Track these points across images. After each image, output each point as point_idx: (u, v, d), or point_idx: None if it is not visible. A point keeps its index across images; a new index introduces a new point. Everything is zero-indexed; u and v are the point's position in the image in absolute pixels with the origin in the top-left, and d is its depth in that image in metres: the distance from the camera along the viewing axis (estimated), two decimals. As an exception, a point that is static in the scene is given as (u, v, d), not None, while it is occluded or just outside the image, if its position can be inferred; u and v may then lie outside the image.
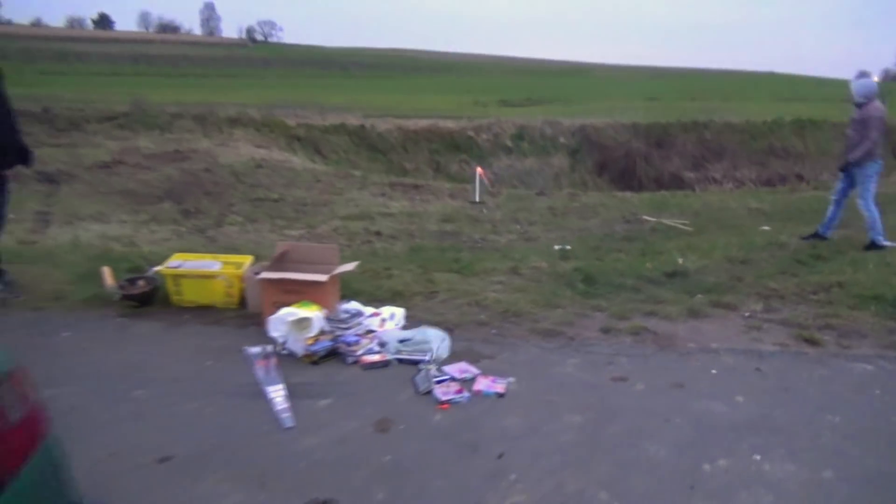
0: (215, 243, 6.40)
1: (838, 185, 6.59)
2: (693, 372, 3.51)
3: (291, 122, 17.58)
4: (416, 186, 10.60)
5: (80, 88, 25.20)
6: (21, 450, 1.36)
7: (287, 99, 27.78)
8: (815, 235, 6.56)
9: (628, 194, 10.86)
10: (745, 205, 9.03)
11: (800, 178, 21.02)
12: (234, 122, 16.52)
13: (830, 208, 6.56)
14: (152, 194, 8.93)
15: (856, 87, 6.31)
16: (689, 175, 20.76)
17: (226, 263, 4.41)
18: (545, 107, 31.13)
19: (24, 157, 4.24)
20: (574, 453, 2.75)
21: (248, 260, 4.44)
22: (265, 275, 3.75)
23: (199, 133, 14.93)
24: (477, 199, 9.41)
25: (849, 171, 6.36)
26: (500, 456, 2.71)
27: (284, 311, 3.55)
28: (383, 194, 9.73)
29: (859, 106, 6.23)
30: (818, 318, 4.27)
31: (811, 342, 3.92)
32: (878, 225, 6.22)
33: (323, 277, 3.71)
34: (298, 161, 12.87)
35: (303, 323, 3.53)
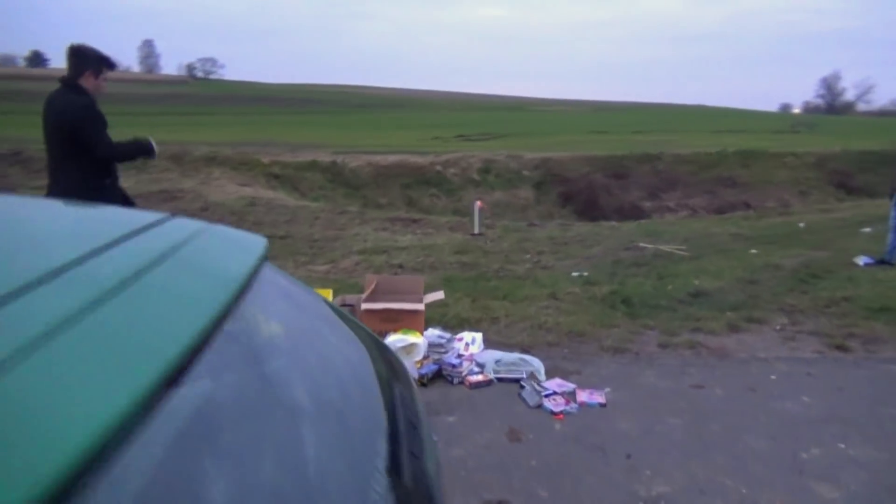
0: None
1: (891, 212, 7.11)
2: (756, 378, 3.98)
3: (265, 159, 17.73)
4: (414, 220, 10.96)
5: (27, 129, 24.54)
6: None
7: (246, 137, 27.84)
8: (882, 262, 6.99)
9: (614, 223, 11.50)
10: (725, 231, 9.77)
11: (747, 205, 22.43)
12: (211, 160, 16.57)
13: (890, 235, 7.06)
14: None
15: None
16: (647, 204, 21.90)
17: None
18: (502, 141, 32.21)
19: (128, 201, 4.37)
20: (689, 449, 3.15)
21: (327, 294, 4.70)
22: (367, 305, 4.04)
23: (178, 173, 14.93)
24: (477, 230, 9.83)
25: None
26: (629, 456, 3.09)
27: (393, 337, 3.85)
28: (385, 229, 10.05)
29: None
30: (840, 328, 4.85)
31: (842, 349, 4.47)
32: None
33: (420, 306, 4.03)
34: (288, 198, 13.05)
35: (410, 348, 3.83)
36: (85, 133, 3.91)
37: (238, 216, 10.35)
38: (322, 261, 7.81)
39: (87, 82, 4.01)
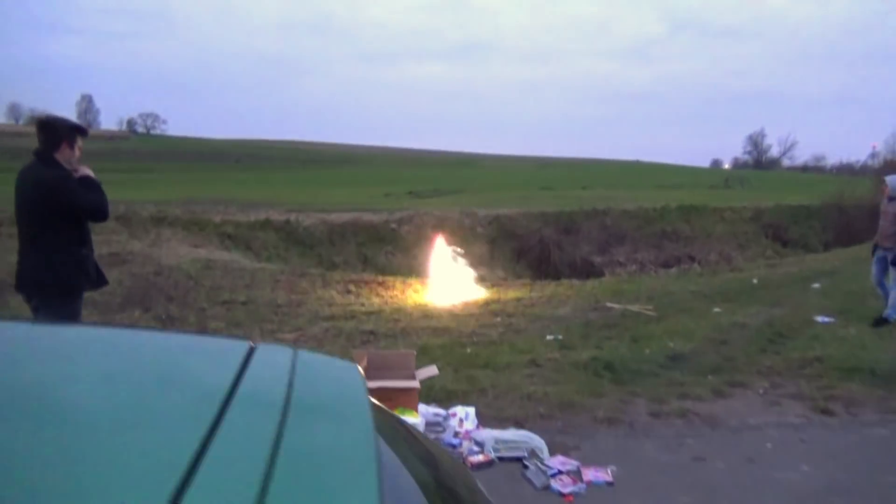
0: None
1: (873, 268, 7.26)
2: (753, 447, 3.99)
3: (216, 218, 17.36)
4: (378, 282, 10.82)
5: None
6: None
7: (194, 194, 27.28)
8: (884, 321, 7.00)
9: (575, 282, 11.64)
10: (684, 288, 10.02)
11: (691, 258, 23.27)
12: (159, 220, 16.10)
13: (892, 293, 7.09)
14: (112, 302, 8.55)
15: (891, 182, 7.09)
16: (598, 259, 22.40)
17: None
18: (453, 197, 32.59)
19: (101, 275, 4.19)
20: (706, 530, 3.09)
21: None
22: (360, 384, 3.88)
23: (125, 234, 14.40)
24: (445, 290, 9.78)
25: (882, 256, 7.04)
26: (648, 538, 3.01)
27: (390, 418, 3.69)
28: (349, 291, 9.87)
29: (893, 199, 6.95)
30: (819, 390, 4.95)
31: (826, 412, 4.56)
32: None
33: (415, 383, 3.90)
34: (244, 260, 12.73)
35: (407, 429, 3.68)
36: (67, 199, 3.85)
37: (195, 280, 9.99)
38: (289, 328, 7.56)
39: (62, 154, 3.93)
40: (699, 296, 9.40)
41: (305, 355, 1.20)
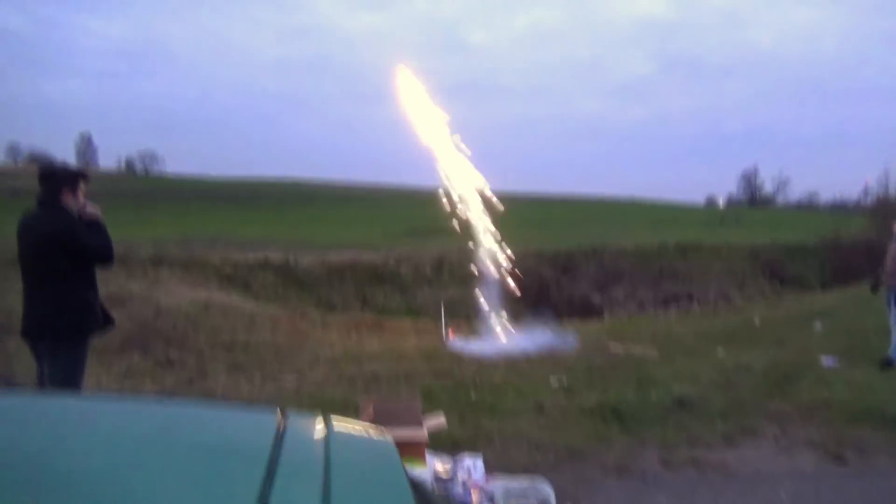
0: (223, 398, 6.21)
1: (891, 310, 7.15)
2: (769, 500, 3.91)
3: (215, 259, 17.34)
4: (378, 324, 10.77)
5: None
6: None
7: (191, 233, 27.29)
8: (891, 362, 6.93)
9: (575, 322, 11.60)
10: (687, 330, 9.99)
11: (690, 297, 23.22)
12: (158, 261, 16.05)
13: (893, 333, 7.05)
14: (111, 346, 8.46)
15: None
16: (597, 298, 22.34)
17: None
18: (452, 235, 32.61)
19: (108, 317, 4.18)
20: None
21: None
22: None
23: (123, 275, 14.34)
24: (448, 337, 9.73)
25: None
26: None
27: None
28: (350, 333, 9.81)
29: None
30: (830, 435, 4.89)
31: (839, 459, 4.49)
32: None
33: (423, 434, 3.84)
34: (243, 301, 12.67)
35: (416, 481, 3.60)
36: (74, 246, 3.89)
37: (193, 323, 9.92)
38: (290, 371, 7.48)
39: (67, 200, 3.97)
40: (701, 337, 9.36)
41: (337, 426, 1.18)
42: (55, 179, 4.07)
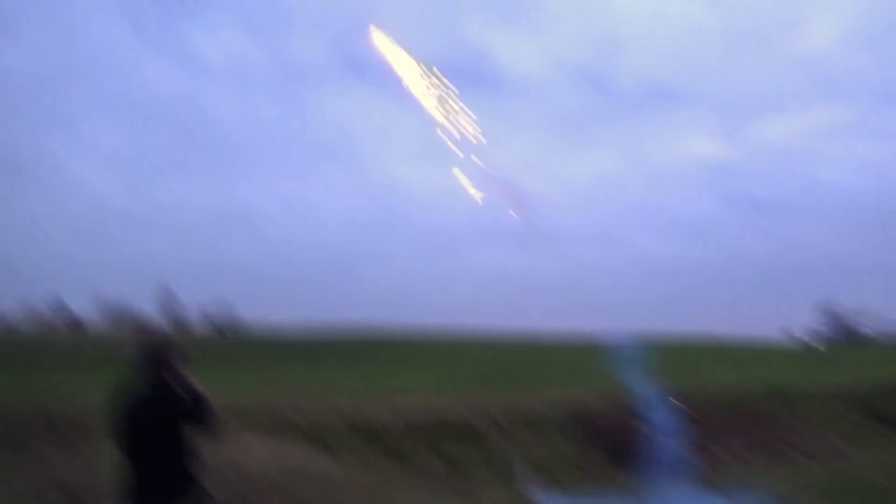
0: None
1: None
2: None
3: (295, 416, 17.32)
4: (461, 483, 10.32)
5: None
6: None
7: (267, 388, 27.61)
8: None
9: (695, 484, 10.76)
10: (808, 492, 9.10)
11: (799, 450, 21.24)
12: (238, 420, 16.18)
13: None
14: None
15: None
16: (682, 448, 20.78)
17: None
18: (525, 383, 31.74)
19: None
20: None
21: None
22: None
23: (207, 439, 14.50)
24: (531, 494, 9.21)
25: None
26: None
27: None
28: (436, 495, 9.41)
29: None
30: None
31: None
32: None
33: None
34: (328, 464, 12.46)
35: None
36: (175, 416, 4.21)
37: (280, 490, 9.76)
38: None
39: (164, 372, 4.23)
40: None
41: None
42: (152, 359, 4.31)
